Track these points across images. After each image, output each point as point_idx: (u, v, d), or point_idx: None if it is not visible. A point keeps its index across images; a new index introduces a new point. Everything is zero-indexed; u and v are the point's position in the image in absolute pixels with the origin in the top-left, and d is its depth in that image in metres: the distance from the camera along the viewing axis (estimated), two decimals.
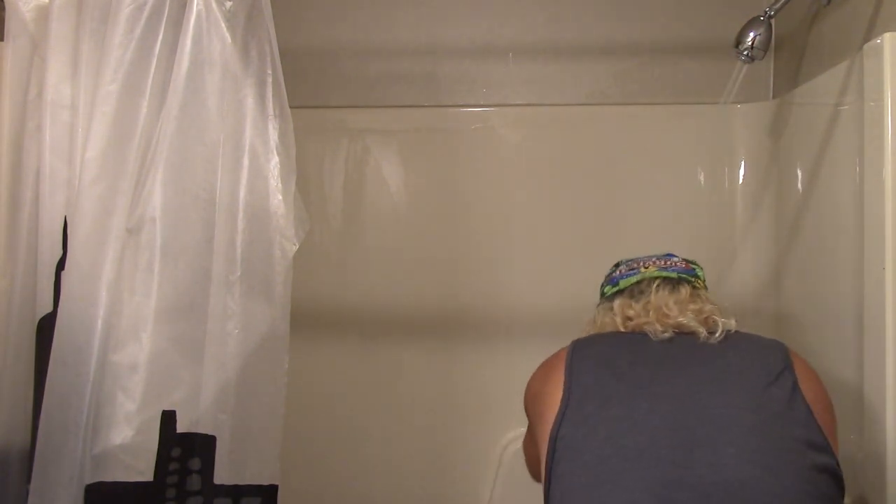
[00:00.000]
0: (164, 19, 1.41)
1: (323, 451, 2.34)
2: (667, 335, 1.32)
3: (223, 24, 1.40)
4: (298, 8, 2.35)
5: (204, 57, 1.39)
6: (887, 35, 1.45)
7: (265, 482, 1.40)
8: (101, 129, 1.38)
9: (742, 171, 2.29)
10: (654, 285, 1.44)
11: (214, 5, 1.39)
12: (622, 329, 1.41)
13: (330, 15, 2.39)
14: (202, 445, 1.37)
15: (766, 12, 1.75)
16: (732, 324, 1.34)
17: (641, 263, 1.50)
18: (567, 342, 1.39)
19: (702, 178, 2.31)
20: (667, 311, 1.37)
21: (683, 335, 1.32)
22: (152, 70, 1.40)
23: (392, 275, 2.36)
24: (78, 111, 1.43)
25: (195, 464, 1.36)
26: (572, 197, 2.34)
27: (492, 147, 2.36)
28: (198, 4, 1.38)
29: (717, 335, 1.30)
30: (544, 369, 1.39)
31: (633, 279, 1.47)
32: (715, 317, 1.35)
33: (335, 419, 2.36)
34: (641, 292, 1.45)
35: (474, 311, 2.34)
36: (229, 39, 1.40)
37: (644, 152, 2.33)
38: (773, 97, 2.26)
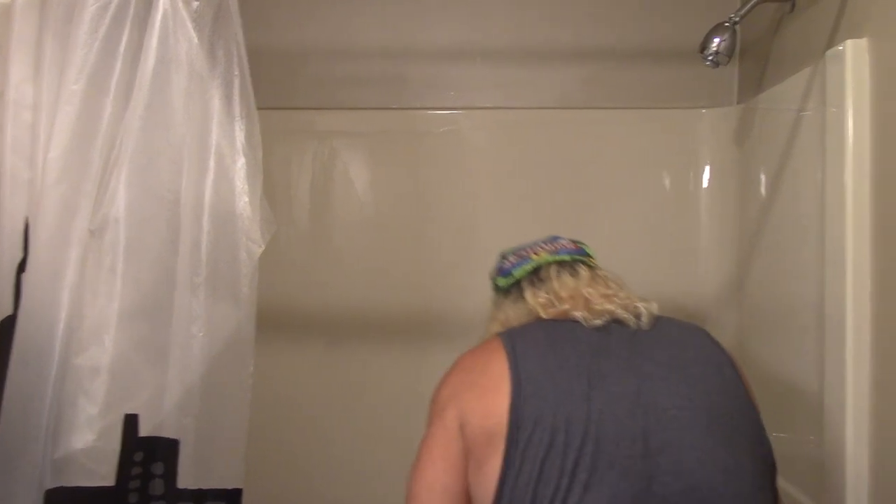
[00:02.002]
0: (130, 19, 1.39)
1: (289, 454, 2.33)
2: (599, 322, 1.27)
3: (189, 24, 1.38)
4: (266, 8, 2.34)
5: (170, 57, 1.38)
6: (849, 42, 1.48)
7: (230, 486, 1.39)
8: (64, 129, 1.36)
9: (707, 175, 2.32)
10: (553, 271, 1.40)
11: (181, 5, 1.38)
12: (544, 316, 1.34)
13: (298, 16, 2.38)
14: (165, 449, 1.35)
15: (731, 18, 1.77)
16: (655, 308, 1.31)
17: (530, 250, 1.46)
18: None
19: (667, 181, 2.33)
20: (588, 298, 1.32)
21: (615, 323, 1.27)
22: (117, 70, 1.38)
23: (359, 277, 2.36)
24: (41, 111, 1.40)
25: (158, 468, 1.35)
26: (539, 199, 2.35)
27: (460, 150, 2.36)
28: (164, 4, 1.37)
29: (643, 321, 1.27)
30: (476, 361, 1.28)
31: (528, 267, 1.42)
32: (636, 303, 1.30)
33: (301, 422, 2.35)
34: (542, 280, 1.40)
35: (442, 314, 2.34)
36: (196, 39, 1.39)
37: (611, 156, 2.35)
38: (738, 102, 2.29)
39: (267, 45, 2.29)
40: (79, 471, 1.31)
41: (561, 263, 1.41)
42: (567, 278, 1.38)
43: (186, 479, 1.35)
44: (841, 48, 1.50)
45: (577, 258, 1.43)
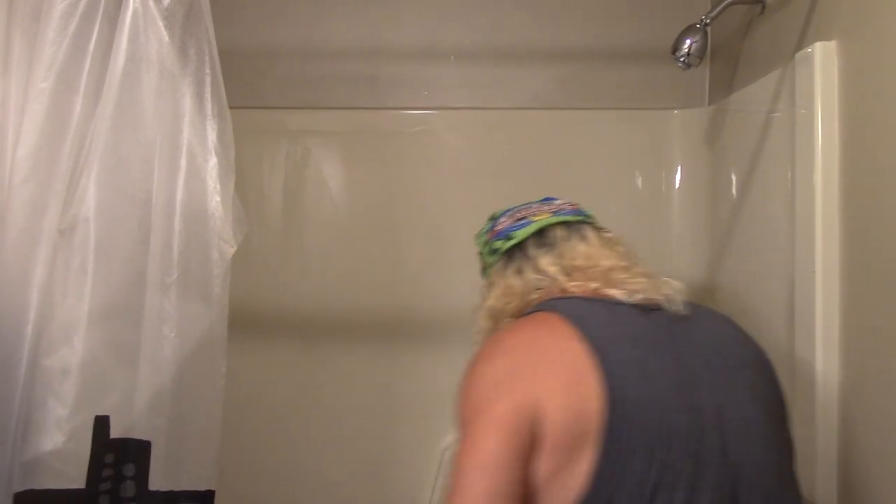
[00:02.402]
0: (100, 16, 1.38)
1: (261, 455, 2.31)
2: (640, 302, 1.13)
3: (160, 23, 1.37)
4: (238, 7, 2.33)
5: (140, 55, 1.37)
6: (818, 45, 1.49)
7: (202, 487, 1.38)
8: (32, 128, 1.35)
9: (679, 176, 2.33)
10: (560, 233, 1.29)
11: (151, 3, 1.37)
12: (572, 288, 1.20)
13: (271, 15, 2.37)
14: (137, 451, 1.34)
15: (702, 20, 1.78)
16: (683, 290, 1.17)
17: (526, 211, 1.35)
18: None
19: (640, 181, 2.34)
20: (609, 273, 1.20)
21: (657, 310, 1.14)
22: (87, 68, 1.37)
23: (332, 277, 2.35)
24: (8, 109, 1.39)
25: (129, 470, 1.33)
26: (512, 200, 2.33)
27: (433, 150, 2.36)
28: (134, 2, 1.36)
29: (678, 306, 1.13)
30: (537, 339, 1.09)
31: (532, 228, 1.30)
32: (663, 287, 1.16)
33: (274, 423, 2.33)
34: (549, 244, 1.28)
35: (414, 315, 2.33)
36: (167, 38, 1.38)
37: (584, 156, 2.35)
38: (709, 104, 2.31)
39: (239, 44, 2.28)
40: (48, 473, 1.30)
41: (566, 225, 1.31)
42: (577, 243, 1.27)
43: (158, 480, 1.34)
44: (810, 50, 1.51)
45: (580, 219, 1.32)
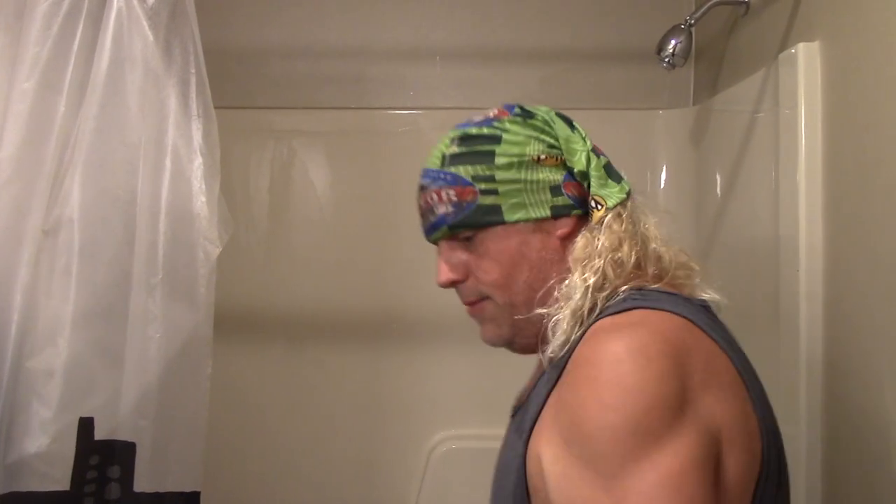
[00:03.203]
0: (83, 16, 1.37)
1: (247, 456, 2.31)
2: (710, 295, 0.99)
3: (145, 22, 1.37)
4: (224, 7, 2.32)
5: (125, 55, 1.36)
6: (801, 45, 1.50)
7: (187, 489, 1.37)
8: (15, 128, 1.34)
9: (664, 176, 2.34)
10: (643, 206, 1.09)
11: (136, 3, 1.36)
12: (665, 278, 1.00)
13: (257, 14, 2.36)
14: (122, 452, 1.33)
15: (686, 21, 1.79)
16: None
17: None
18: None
19: None
20: (688, 265, 1.05)
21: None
22: (70, 68, 1.37)
23: (318, 278, 2.34)
24: None
25: (114, 471, 1.33)
26: None
27: (419, 150, 2.31)
28: (118, 2, 1.35)
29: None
30: (687, 346, 0.84)
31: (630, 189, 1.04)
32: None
33: (260, 424, 2.33)
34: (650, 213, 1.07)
35: (401, 314, 2.33)
36: (151, 37, 1.37)
37: None
38: (694, 104, 2.32)
39: (225, 44, 2.27)
40: (32, 475, 1.29)
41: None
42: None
43: (143, 482, 1.34)
44: (793, 51, 1.52)
45: None
